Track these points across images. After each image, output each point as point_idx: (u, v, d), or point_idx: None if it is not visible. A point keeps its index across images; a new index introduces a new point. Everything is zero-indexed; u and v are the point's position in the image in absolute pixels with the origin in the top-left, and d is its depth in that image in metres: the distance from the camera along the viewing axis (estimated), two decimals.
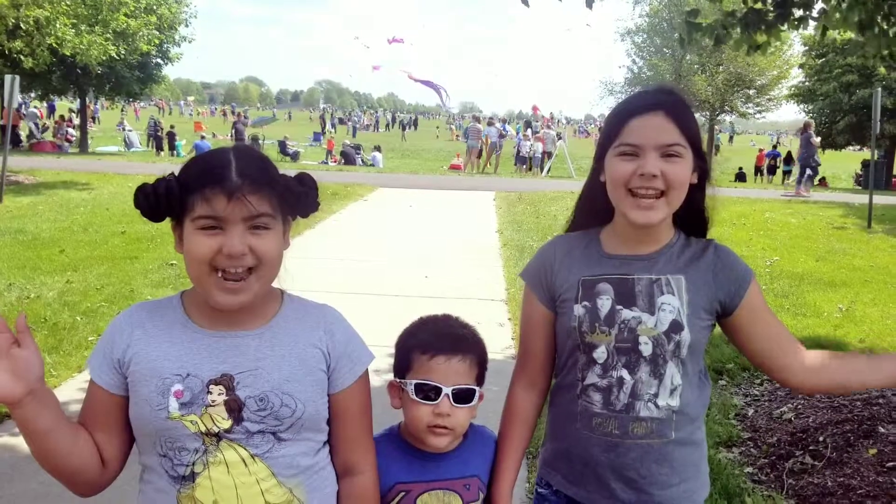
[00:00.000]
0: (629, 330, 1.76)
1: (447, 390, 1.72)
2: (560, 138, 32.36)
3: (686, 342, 1.75)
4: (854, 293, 8.50)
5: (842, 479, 3.96)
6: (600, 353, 1.78)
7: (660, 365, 1.76)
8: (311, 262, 9.09)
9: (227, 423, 1.50)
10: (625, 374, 1.77)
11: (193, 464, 1.50)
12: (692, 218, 1.88)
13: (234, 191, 1.46)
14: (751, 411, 5.01)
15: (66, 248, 9.22)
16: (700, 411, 1.86)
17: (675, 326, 1.74)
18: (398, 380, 1.81)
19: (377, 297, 7.53)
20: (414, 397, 1.75)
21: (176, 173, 1.54)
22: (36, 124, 31.86)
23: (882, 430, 4.33)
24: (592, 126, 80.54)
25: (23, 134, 29.05)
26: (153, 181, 1.53)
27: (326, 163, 28.25)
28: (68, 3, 17.60)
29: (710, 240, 1.89)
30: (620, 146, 1.74)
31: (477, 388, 1.78)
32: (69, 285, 7.45)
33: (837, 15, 5.36)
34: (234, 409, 1.50)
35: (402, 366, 1.80)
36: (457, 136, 59.78)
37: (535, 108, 32.31)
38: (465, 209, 15.00)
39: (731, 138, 73.42)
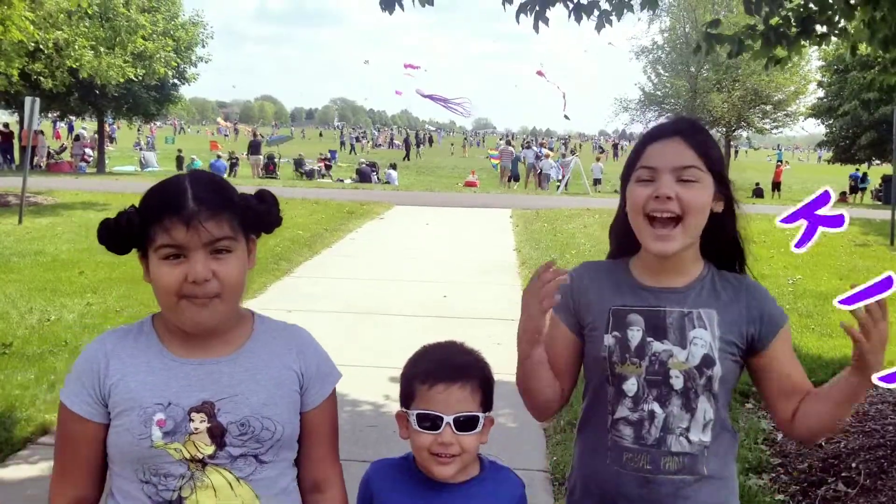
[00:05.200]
0: (660, 363, 1.75)
1: (448, 419, 1.71)
2: (574, 154, 32.42)
3: (718, 376, 1.74)
4: None
5: None
6: (630, 386, 1.77)
7: (692, 399, 1.75)
8: (328, 281, 9.03)
9: (210, 449, 1.53)
10: (656, 407, 1.76)
11: (181, 488, 1.52)
12: (723, 249, 1.85)
13: (191, 218, 1.48)
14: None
15: (86, 269, 9.24)
16: (731, 447, 1.85)
17: (707, 361, 1.74)
18: (403, 409, 1.81)
19: (395, 318, 7.49)
20: (416, 427, 1.75)
21: (137, 205, 1.57)
22: (45, 146, 32.14)
23: None
24: (606, 142, 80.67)
25: (43, 152, 29.35)
26: (115, 215, 1.55)
27: (342, 181, 28.29)
28: (87, 25, 17.83)
29: (744, 276, 1.87)
30: (639, 170, 1.77)
31: (481, 414, 1.76)
32: (89, 307, 7.46)
33: (864, 28, 5.30)
34: (217, 434, 1.53)
35: (406, 395, 1.81)
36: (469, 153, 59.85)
37: (539, 72, 31.55)
38: (482, 227, 14.97)
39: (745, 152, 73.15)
